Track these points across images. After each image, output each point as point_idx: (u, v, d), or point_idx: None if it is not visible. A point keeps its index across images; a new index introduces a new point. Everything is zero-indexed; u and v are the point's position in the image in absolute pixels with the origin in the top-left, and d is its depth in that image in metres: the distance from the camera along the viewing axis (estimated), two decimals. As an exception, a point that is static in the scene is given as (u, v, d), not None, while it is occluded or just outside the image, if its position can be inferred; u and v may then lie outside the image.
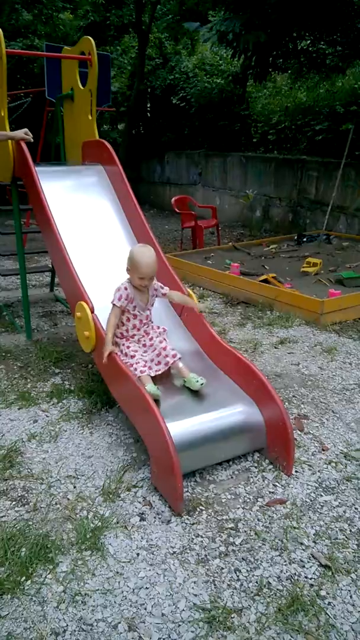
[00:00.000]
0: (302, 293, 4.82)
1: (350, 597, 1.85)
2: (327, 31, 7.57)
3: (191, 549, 2.06)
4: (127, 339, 2.92)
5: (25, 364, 3.71)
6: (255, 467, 2.58)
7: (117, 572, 1.95)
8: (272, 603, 1.82)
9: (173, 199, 7.65)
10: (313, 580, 1.92)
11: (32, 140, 3.65)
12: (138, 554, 2.04)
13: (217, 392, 2.74)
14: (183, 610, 1.80)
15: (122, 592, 1.87)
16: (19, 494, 2.38)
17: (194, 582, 1.91)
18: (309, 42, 8.15)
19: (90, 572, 1.95)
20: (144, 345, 2.93)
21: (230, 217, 9.88)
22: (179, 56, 11.92)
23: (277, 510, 2.28)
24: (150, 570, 1.96)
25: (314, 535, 2.14)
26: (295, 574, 1.95)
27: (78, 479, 2.49)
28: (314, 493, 2.40)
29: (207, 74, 11.20)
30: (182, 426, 2.45)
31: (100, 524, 2.18)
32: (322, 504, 2.33)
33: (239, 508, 2.29)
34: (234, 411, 2.62)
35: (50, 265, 5.33)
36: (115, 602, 1.83)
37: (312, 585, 1.90)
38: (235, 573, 1.95)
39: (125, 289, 2.85)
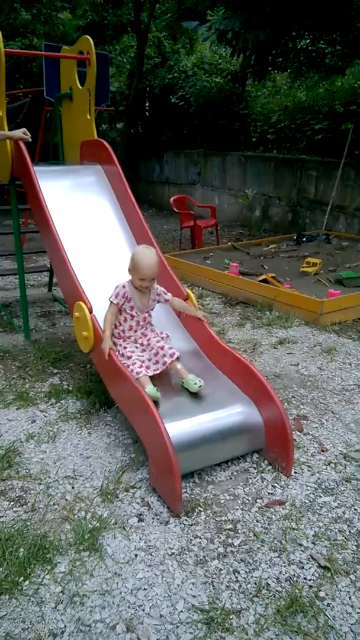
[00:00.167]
0: (301, 293, 4.82)
1: (350, 598, 1.85)
2: (327, 30, 7.56)
3: (190, 550, 2.06)
4: (123, 340, 2.92)
5: (23, 364, 3.71)
6: (254, 468, 2.57)
7: (115, 573, 1.94)
8: (271, 604, 1.81)
9: (172, 199, 7.65)
10: (312, 581, 1.92)
11: (30, 139, 3.64)
12: (136, 555, 2.03)
13: (216, 393, 2.73)
14: (181, 611, 1.79)
15: (120, 593, 1.86)
16: (17, 495, 2.37)
17: (193, 583, 1.90)
18: (308, 41, 8.14)
19: (88, 572, 1.94)
20: (141, 344, 2.92)
21: (229, 216, 9.87)
22: (177, 55, 11.91)
23: (276, 511, 2.27)
24: (148, 571, 1.96)
25: (313, 536, 2.13)
26: (294, 575, 1.94)
27: (76, 479, 2.48)
28: (313, 494, 2.39)
29: (206, 73, 11.19)
30: (180, 427, 2.45)
31: (98, 524, 2.17)
32: (321, 505, 2.32)
33: (237, 509, 2.29)
34: (232, 412, 2.61)
35: (49, 265, 5.32)
36: (113, 603, 1.82)
37: (311, 587, 1.89)
38: (234, 574, 1.95)
39: (124, 287, 2.85)
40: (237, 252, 6.98)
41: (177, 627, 1.73)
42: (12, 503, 2.31)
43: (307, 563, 2.00)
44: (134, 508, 2.29)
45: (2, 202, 7.86)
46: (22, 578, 1.90)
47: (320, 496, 2.38)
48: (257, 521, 2.21)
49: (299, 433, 2.88)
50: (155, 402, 2.53)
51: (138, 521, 2.21)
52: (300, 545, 2.08)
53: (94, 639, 1.69)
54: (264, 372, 3.42)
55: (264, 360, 3.83)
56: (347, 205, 7.73)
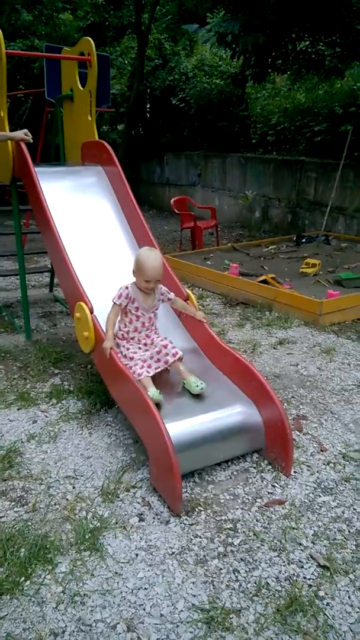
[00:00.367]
0: (301, 294, 4.83)
1: (349, 597, 1.86)
2: (326, 32, 7.57)
3: (190, 549, 2.07)
4: (127, 341, 2.92)
5: (24, 365, 3.71)
6: (254, 468, 2.58)
7: (116, 573, 1.95)
8: (271, 603, 1.82)
9: (172, 200, 7.67)
10: (312, 580, 1.92)
11: (31, 141, 3.65)
12: (137, 555, 2.04)
13: (215, 393, 2.74)
14: (182, 610, 1.80)
15: (121, 592, 1.87)
16: (18, 495, 2.38)
17: (193, 583, 1.91)
18: (307, 43, 8.15)
19: (89, 572, 1.95)
20: (145, 344, 2.92)
21: (229, 217, 9.89)
22: (178, 57, 11.93)
23: (276, 511, 2.28)
24: (149, 570, 1.96)
25: (312, 535, 2.14)
26: (293, 574, 1.95)
27: (77, 479, 2.49)
28: (313, 494, 2.40)
29: (207, 74, 11.21)
30: (181, 427, 2.45)
31: (99, 524, 2.18)
32: (320, 504, 2.33)
33: (237, 508, 2.30)
34: (232, 412, 2.62)
35: (50, 266, 5.33)
36: (114, 602, 1.83)
37: (310, 586, 1.90)
38: (234, 573, 1.95)
39: (127, 288, 2.85)
40: (237, 253, 6.99)
41: (178, 626, 1.74)
42: (13, 503, 2.32)
43: (307, 562, 2.01)
44: (135, 508, 2.30)
45: (3, 202, 7.87)
46: (23, 578, 1.91)
47: (320, 496, 2.39)
48: (257, 521, 2.22)
49: (298, 433, 2.89)
50: (157, 405, 2.53)
51: (139, 521, 2.22)
52: (300, 544, 2.09)
53: (95, 639, 1.70)
54: (263, 373, 3.42)
55: (263, 361, 3.84)
56: (347, 206, 7.74)
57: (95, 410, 3.11)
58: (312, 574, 1.95)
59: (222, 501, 2.34)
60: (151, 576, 1.94)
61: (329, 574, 1.95)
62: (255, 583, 1.91)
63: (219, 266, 6.12)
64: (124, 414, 2.77)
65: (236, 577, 1.94)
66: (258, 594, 1.87)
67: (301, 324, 4.54)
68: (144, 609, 1.80)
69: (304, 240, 7.44)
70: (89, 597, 1.84)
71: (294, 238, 7.59)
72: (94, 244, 3.58)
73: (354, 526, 2.20)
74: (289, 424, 2.50)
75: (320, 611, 1.79)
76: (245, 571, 1.96)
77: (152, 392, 2.60)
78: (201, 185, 10.67)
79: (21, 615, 1.78)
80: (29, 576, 1.92)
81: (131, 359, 2.82)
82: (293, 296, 4.80)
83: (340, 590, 1.89)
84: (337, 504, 2.33)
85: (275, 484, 2.46)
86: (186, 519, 2.22)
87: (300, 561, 2.01)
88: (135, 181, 11.55)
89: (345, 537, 2.13)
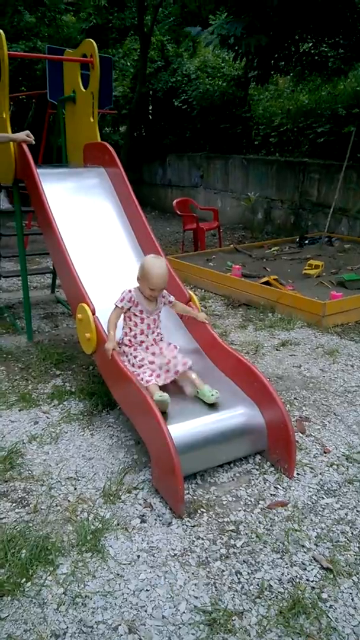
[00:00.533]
0: (303, 295, 4.82)
1: (352, 600, 1.84)
2: (329, 34, 7.58)
3: (192, 551, 2.06)
4: (134, 348, 2.88)
5: (26, 366, 3.71)
6: (257, 470, 2.57)
7: (118, 574, 1.94)
8: (274, 606, 1.81)
9: (175, 201, 7.67)
10: (314, 583, 1.91)
11: (33, 142, 3.65)
12: (139, 556, 2.03)
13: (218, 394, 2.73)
14: (184, 612, 1.79)
15: (123, 594, 1.86)
16: (20, 496, 2.37)
17: (195, 585, 1.90)
18: (310, 44, 8.16)
19: (90, 574, 1.94)
20: (153, 354, 2.88)
21: (231, 219, 9.88)
22: (180, 59, 11.95)
23: (279, 513, 2.27)
24: (150, 572, 1.95)
25: (315, 537, 2.13)
26: (296, 576, 1.94)
27: (79, 480, 2.49)
28: (316, 495, 2.39)
29: (209, 76, 11.23)
30: (183, 428, 2.45)
31: (100, 525, 2.17)
32: (323, 506, 2.32)
33: (240, 510, 2.28)
34: (235, 413, 2.61)
35: (52, 267, 5.34)
36: (115, 604, 1.82)
37: (313, 588, 1.89)
38: (236, 575, 1.94)
39: (130, 291, 2.85)
40: (240, 254, 6.98)
41: (180, 628, 1.73)
42: (14, 504, 2.31)
43: (310, 564, 1.99)
44: (137, 509, 2.29)
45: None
46: (24, 579, 1.90)
47: (323, 498, 2.37)
48: (259, 522, 2.21)
49: (301, 435, 2.88)
50: (164, 413, 2.48)
51: (140, 522, 2.21)
52: (303, 546, 2.08)
53: (96, 640, 1.69)
54: (266, 374, 3.41)
55: (266, 362, 3.83)
56: (350, 207, 7.73)
57: (97, 412, 3.10)
58: (315, 576, 1.94)
59: (224, 503, 2.33)
60: (153, 578, 1.93)
61: (332, 576, 1.94)
62: (257, 585, 1.90)
63: (221, 267, 6.11)
64: (126, 415, 2.77)
65: (238, 579, 1.93)
66: (260, 596, 1.85)
67: (304, 326, 4.53)
68: (146, 611, 1.79)
69: (306, 241, 7.43)
70: (91, 599, 1.84)
71: (297, 239, 7.58)
72: (96, 245, 3.58)
73: (357, 528, 2.18)
74: (292, 425, 2.49)
75: (324, 613, 1.78)
76: (248, 573, 1.95)
77: (158, 396, 2.55)
78: (203, 187, 10.67)
79: (22, 616, 1.77)
80: (30, 577, 1.91)
81: (140, 367, 2.78)
82: (296, 297, 4.79)
83: (343, 592, 1.87)
84: (340, 505, 2.32)
85: (278, 486, 2.45)
86: (188, 521, 2.21)
87: (303, 563, 2.00)
88: (138, 183, 11.55)
89: (348, 539, 2.12)
